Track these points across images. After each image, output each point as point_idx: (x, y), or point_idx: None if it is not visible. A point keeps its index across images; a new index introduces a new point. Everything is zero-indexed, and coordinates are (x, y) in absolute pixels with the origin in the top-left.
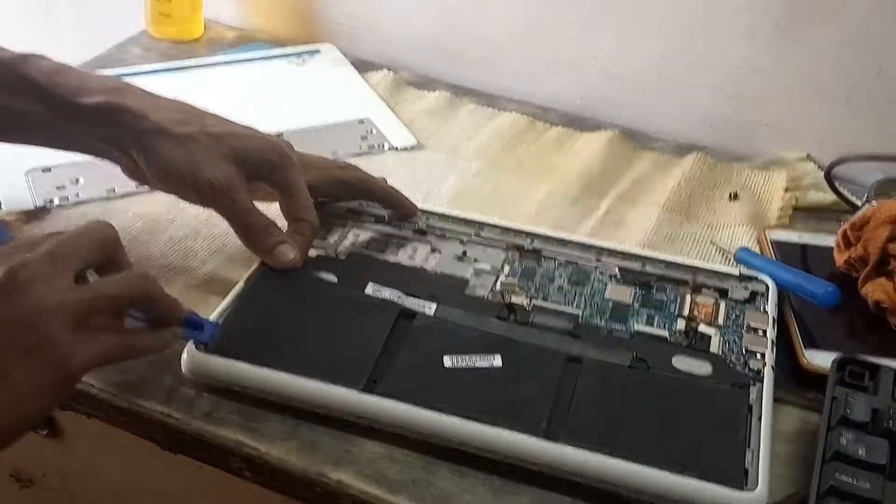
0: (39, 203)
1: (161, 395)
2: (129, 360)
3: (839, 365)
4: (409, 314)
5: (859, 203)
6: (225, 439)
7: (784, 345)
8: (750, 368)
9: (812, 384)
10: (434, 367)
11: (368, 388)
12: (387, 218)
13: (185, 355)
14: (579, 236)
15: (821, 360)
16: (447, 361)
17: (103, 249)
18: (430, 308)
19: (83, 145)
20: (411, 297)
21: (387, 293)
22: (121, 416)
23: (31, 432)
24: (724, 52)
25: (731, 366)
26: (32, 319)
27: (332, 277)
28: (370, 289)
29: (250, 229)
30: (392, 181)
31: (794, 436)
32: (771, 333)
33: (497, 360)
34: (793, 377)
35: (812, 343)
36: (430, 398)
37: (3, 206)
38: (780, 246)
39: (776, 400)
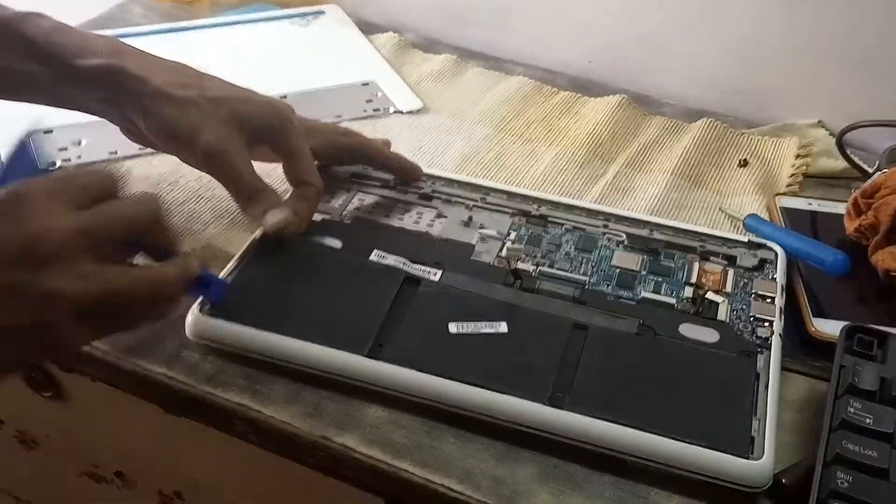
0: (41, 166)
1: (165, 358)
2: (138, 304)
3: (848, 333)
4: (414, 280)
5: (871, 170)
6: (229, 402)
7: (792, 313)
8: (757, 336)
9: (820, 352)
10: (439, 333)
11: (373, 354)
12: (391, 183)
13: (189, 317)
14: (586, 202)
15: (829, 328)
16: (452, 328)
17: (144, 231)
18: (434, 275)
19: (83, 106)
20: (416, 264)
21: (391, 260)
22: (125, 378)
23: (37, 395)
24: (735, 15)
25: (739, 333)
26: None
27: (337, 243)
28: (375, 255)
29: (243, 193)
30: (397, 145)
31: (801, 404)
32: (779, 301)
33: (503, 327)
34: (801, 345)
35: (820, 311)
36: (435, 364)
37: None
38: (789, 213)
39: (784, 368)
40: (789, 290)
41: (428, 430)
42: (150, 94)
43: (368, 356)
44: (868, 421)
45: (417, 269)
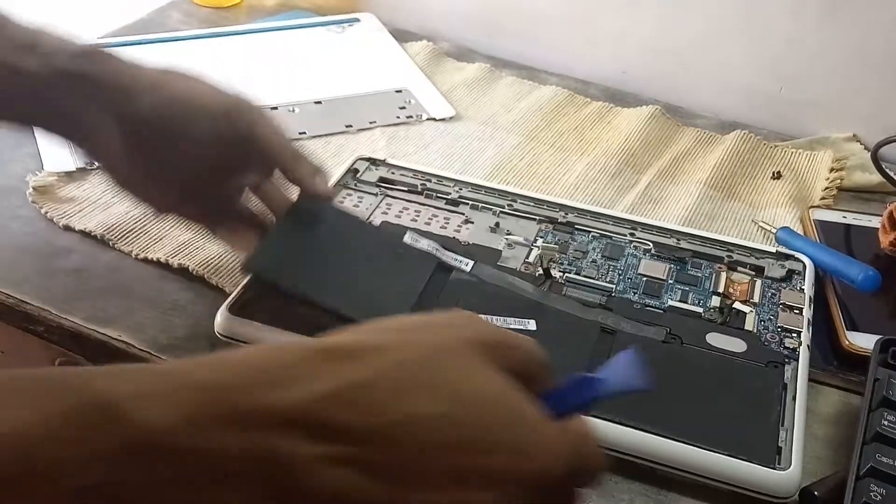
0: (80, 164)
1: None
2: None
3: (882, 346)
4: (445, 268)
5: None
6: None
7: (826, 326)
8: (785, 347)
9: (853, 366)
10: None
11: None
12: (419, 188)
13: (218, 317)
14: (613, 210)
15: (863, 341)
16: None
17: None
18: (466, 265)
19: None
20: (448, 252)
21: (424, 244)
22: None
23: None
24: (770, 27)
25: (766, 344)
26: None
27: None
28: (408, 237)
29: (288, 155)
30: (429, 152)
31: (835, 417)
32: (807, 312)
33: (531, 325)
34: (834, 359)
35: (854, 325)
36: None
37: (45, 166)
38: (823, 226)
39: (817, 381)
40: (823, 303)
41: None
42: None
43: None
44: None
45: (450, 257)
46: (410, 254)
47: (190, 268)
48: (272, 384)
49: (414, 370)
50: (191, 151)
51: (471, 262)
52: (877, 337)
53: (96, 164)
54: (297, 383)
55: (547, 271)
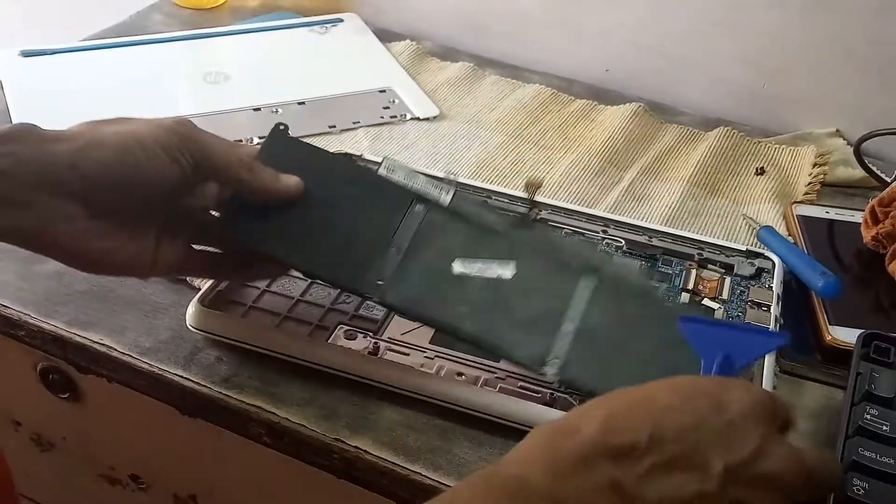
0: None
1: (181, 360)
2: None
3: (864, 340)
4: (424, 201)
5: (888, 179)
6: (244, 404)
7: (808, 321)
8: None
9: (836, 360)
10: (442, 271)
11: (376, 293)
12: None
13: (189, 309)
14: (585, 207)
15: (845, 336)
16: (457, 266)
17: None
18: (447, 193)
19: None
20: (427, 181)
21: (401, 174)
22: (141, 379)
23: (54, 396)
24: (753, 24)
25: None
26: None
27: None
28: (384, 168)
29: (245, 164)
30: (413, 151)
31: (818, 412)
32: (775, 309)
33: (508, 271)
34: (817, 353)
35: (836, 319)
36: (435, 310)
37: None
38: (806, 221)
39: (799, 376)
40: (806, 298)
41: (441, 433)
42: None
43: (367, 296)
44: (884, 428)
45: (429, 188)
46: (386, 189)
47: None
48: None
49: None
50: (150, 190)
51: (451, 191)
52: (859, 331)
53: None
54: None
55: (532, 201)
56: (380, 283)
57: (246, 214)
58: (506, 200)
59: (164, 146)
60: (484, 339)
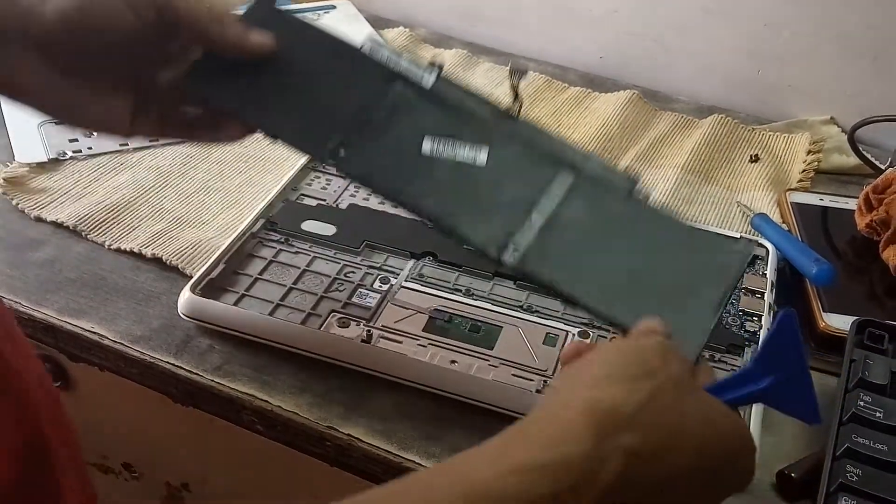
0: (52, 155)
1: (173, 348)
2: None
3: (858, 327)
4: (404, 81)
5: (882, 166)
6: (236, 392)
7: (802, 308)
8: (746, 330)
9: (830, 348)
10: (409, 148)
11: (332, 156)
12: None
13: (181, 297)
14: None
15: (839, 323)
16: (426, 145)
17: None
18: (429, 76)
19: None
20: (410, 64)
21: (384, 53)
22: (133, 368)
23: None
24: (747, 11)
25: (727, 327)
26: None
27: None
28: (367, 46)
29: (216, 18)
30: None
31: None
32: (769, 297)
33: (481, 157)
34: (811, 340)
35: (831, 307)
36: (394, 182)
37: (16, 157)
38: (800, 208)
39: None
40: (800, 285)
41: (435, 421)
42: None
43: (324, 158)
44: (878, 415)
45: (411, 69)
46: (366, 65)
47: (164, 258)
48: None
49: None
50: (111, 38)
51: (433, 75)
52: (853, 318)
53: (69, 154)
54: None
55: (515, 89)
56: (342, 151)
57: (215, 73)
58: None
59: None
60: (442, 217)
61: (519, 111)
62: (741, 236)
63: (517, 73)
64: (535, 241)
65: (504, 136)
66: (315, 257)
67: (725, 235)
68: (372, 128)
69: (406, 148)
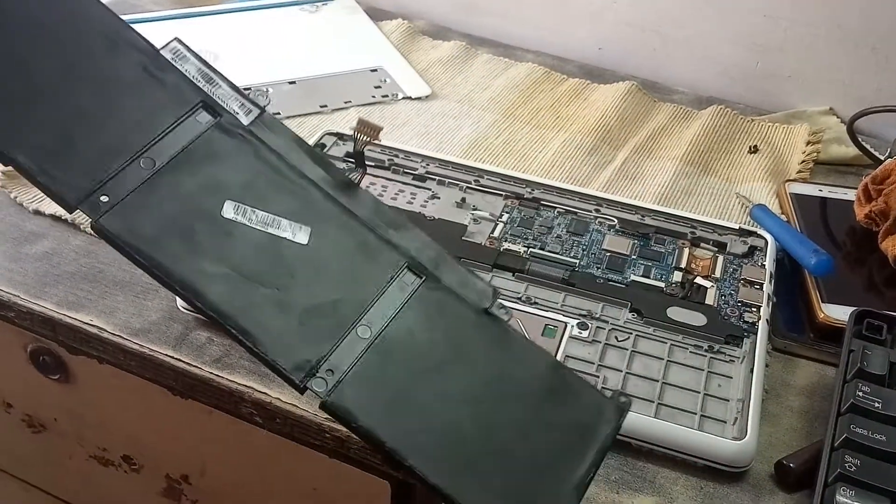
0: None
1: (172, 340)
2: None
3: (857, 318)
4: (214, 111)
5: (882, 157)
6: (235, 384)
7: (802, 299)
8: (744, 321)
9: (829, 338)
10: (206, 210)
11: (87, 201)
12: (386, 163)
13: None
14: (578, 187)
15: (838, 313)
16: (228, 210)
17: None
18: (246, 114)
19: None
20: (230, 87)
21: (192, 66)
22: (132, 360)
23: (45, 378)
24: (746, 2)
25: (726, 318)
26: None
27: None
28: (169, 50)
29: None
30: (405, 131)
31: (810, 389)
32: (767, 287)
33: (302, 234)
34: (810, 331)
35: (829, 297)
36: (171, 256)
37: None
38: (799, 199)
39: (792, 354)
40: (798, 276)
41: None
42: None
43: (75, 202)
44: (877, 405)
45: (225, 96)
46: (165, 79)
47: None
48: None
49: None
50: None
51: (256, 111)
52: (852, 308)
53: None
54: None
55: (359, 156)
56: (104, 197)
57: None
58: (498, 180)
59: None
60: (231, 317)
61: (360, 180)
62: (740, 227)
63: (367, 129)
64: (358, 364)
65: (337, 210)
66: None
67: (599, 390)
68: (155, 171)
69: (199, 207)
